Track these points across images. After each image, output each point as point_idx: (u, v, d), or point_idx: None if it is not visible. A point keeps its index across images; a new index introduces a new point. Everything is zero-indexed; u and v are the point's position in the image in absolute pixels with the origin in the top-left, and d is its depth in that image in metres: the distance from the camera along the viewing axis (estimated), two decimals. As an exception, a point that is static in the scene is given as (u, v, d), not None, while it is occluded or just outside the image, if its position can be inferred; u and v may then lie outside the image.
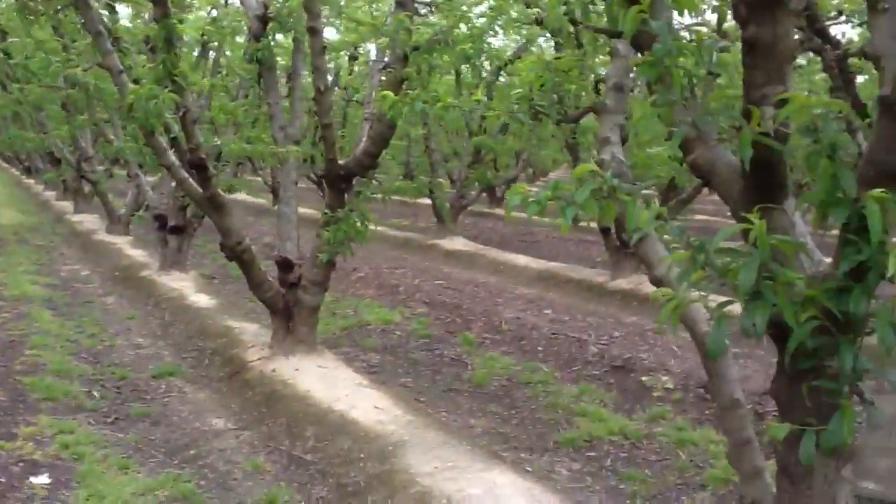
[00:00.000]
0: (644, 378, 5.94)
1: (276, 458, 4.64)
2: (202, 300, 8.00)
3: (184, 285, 8.61)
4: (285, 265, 5.95)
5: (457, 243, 12.32)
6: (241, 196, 18.97)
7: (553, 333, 7.04)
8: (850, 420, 1.90)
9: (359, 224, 5.31)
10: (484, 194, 18.83)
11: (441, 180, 13.48)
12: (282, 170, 6.25)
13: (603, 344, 6.63)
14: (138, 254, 10.63)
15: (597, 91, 6.16)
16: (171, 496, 4.05)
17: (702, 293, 2.00)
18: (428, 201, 13.02)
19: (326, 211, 5.33)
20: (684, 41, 2.05)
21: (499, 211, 17.80)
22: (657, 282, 2.46)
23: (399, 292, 8.98)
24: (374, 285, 9.46)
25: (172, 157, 5.71)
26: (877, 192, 1.69)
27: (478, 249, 12.01)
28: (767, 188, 1.97)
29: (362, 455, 4.33)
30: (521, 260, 11.07)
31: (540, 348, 6.79)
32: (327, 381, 5.38)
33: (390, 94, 4.56)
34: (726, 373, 2.48)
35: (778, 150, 1.86)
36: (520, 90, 3.61)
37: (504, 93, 9.29)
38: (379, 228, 15.19)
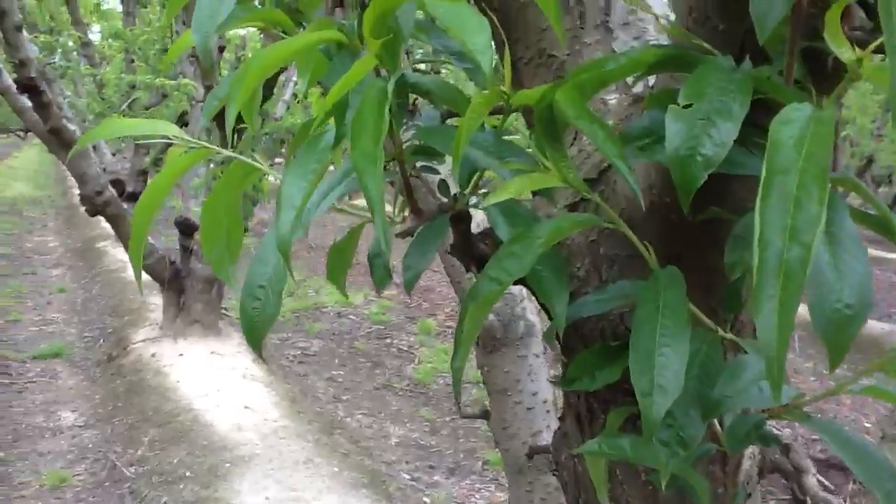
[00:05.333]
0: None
1: (97, 469, 3.53)
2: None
3: (135, 257, 7.62)
4: (186, 228, 4.84)
5: (477, 217, 11.04)
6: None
7: (528, 323, 5.77)
8: None
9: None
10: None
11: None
12: (192, 106, 5.13)
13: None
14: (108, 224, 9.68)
15: None
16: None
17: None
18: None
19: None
20: None
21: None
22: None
23: (374, 272, 7.78)
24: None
25: (8, 77, 4.27)
26: None
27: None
28: None
29: (189, 473, 3.18)
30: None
31: (508, 340, 5.53)
32: (209, 372, 4.26)
33: None
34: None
35: None
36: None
37: None
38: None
